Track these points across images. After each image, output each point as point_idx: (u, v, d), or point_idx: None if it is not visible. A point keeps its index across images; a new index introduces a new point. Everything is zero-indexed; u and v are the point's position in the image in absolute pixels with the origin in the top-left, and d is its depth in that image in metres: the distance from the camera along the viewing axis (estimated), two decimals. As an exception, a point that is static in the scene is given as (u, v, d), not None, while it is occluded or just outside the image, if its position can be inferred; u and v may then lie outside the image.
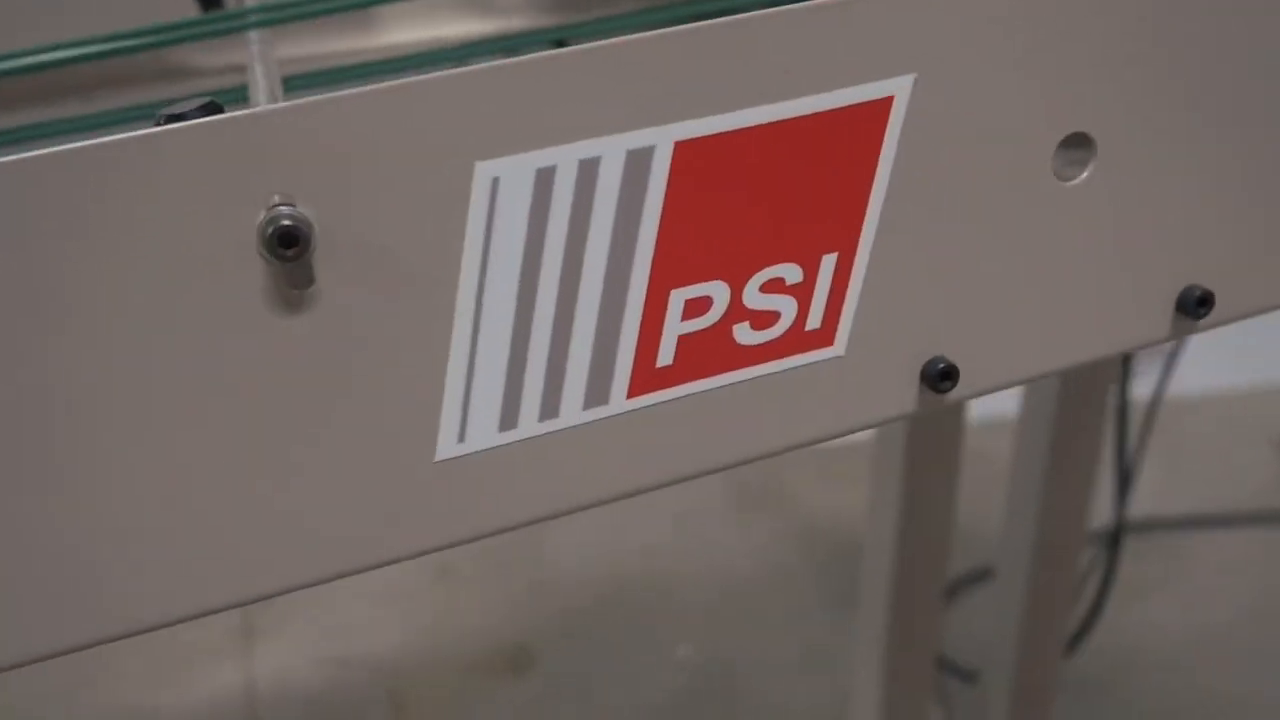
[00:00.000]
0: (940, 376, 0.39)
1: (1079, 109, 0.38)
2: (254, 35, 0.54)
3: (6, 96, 0.66)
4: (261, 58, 0.50)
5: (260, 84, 0.44)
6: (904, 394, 0.39)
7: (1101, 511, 1.28)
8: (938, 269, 0.38)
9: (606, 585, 1.55)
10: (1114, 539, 1.26)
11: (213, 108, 0.35)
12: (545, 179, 0.33)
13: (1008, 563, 1.10)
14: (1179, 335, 0.42)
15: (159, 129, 0.30)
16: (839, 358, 0.38)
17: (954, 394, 0.39)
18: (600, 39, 0.73)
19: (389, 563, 0.35)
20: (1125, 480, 1.23)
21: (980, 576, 1.40)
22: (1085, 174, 0.39)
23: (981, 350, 0.39)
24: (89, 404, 0.31)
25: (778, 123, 0.35)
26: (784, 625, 1.48)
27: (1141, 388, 1.23)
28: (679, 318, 0.36)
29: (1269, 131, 0.41)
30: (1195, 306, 0.41)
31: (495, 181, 0.33)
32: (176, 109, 0.34)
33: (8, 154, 0.53)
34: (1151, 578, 1.49)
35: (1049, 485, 1.04)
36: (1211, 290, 0.42)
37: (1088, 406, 1.03)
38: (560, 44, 0.74)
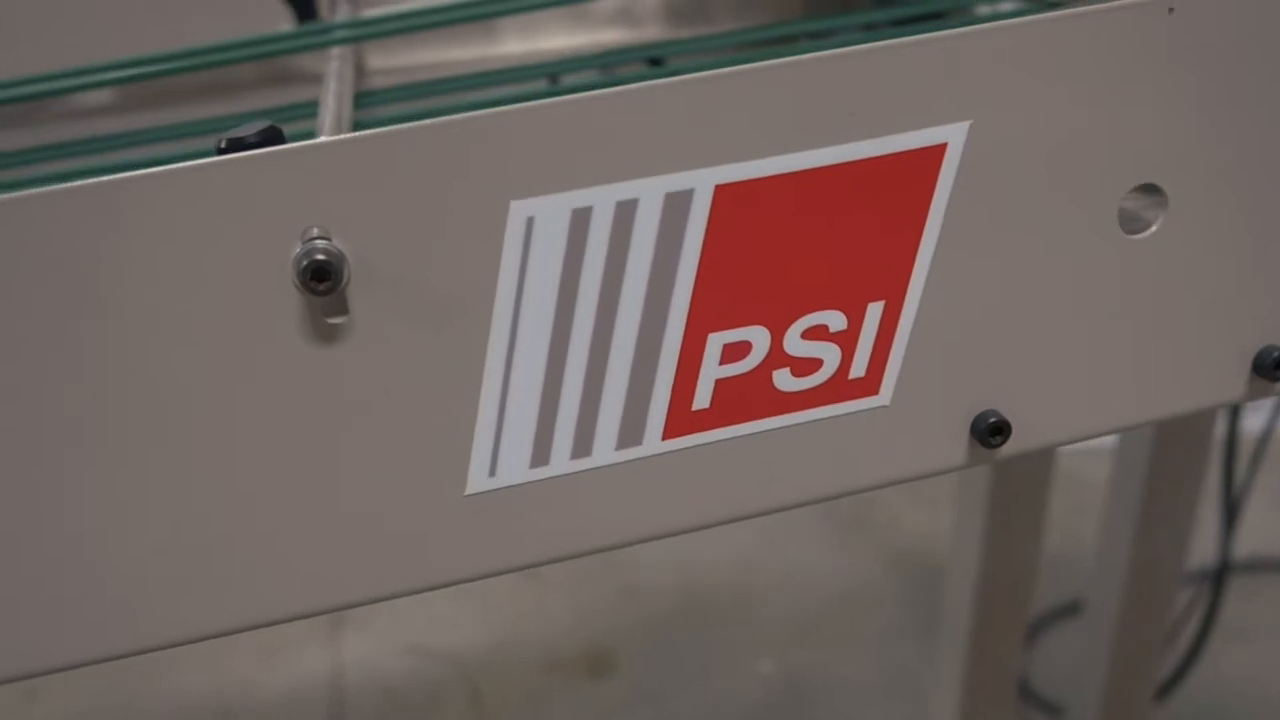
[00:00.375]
0: (991, 431, 0.38)
1: (1149, 159, 0.36)
2: (335, 51, 0.55)
3: (116, 104, 0.69)
4: (339, 75, 0.50)
5: (329, 104, 0.45)
6: (952, 447, 0.38)
7: (1205, 549, 1.24)
8: (991, 322, 0.37)
9: (692, 594, 1.55)
10: (1217, 579, 1.21)
11: (272, 132, 0.35)
12: (581, 220, 0.33)
13: (1098, 597, 1.07)
14: (1255, 397, 0.40)
15: (194, 164, 0.31)
16: (884, 407, 0.37)
17: (1006, 450, 0.38)
18: (696, 55, 0.73)
19: (414, 592, 0.35)
20: (1231, 517, 1.18)
21: (1074, 609, 1.35)
22: (1154, 227, 0.37)
23: (1036, 406, 0.38)
24: (122, 424, 0.32)
25: (823, 169, 0.34)
26: (868, 646, 1.46)
27: (1252, 421, 1.18)
28: (717, 361, 0.35)
29: (1361, 186, 0.39)
30: (1273, 369, 0.39)
31: (530, 221, 0.32)
32: (238, 133, 0.35)
33: (117, 159, 0.55)
34: (1256, 622, 1.43)
35: (1144, 517, 1.01)
36: (1292, 351, 0.39)
37: (1189, 437, 0.99)
38: (656, 61, 0.74)
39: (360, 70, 0.73)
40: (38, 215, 0.30)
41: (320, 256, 0.31)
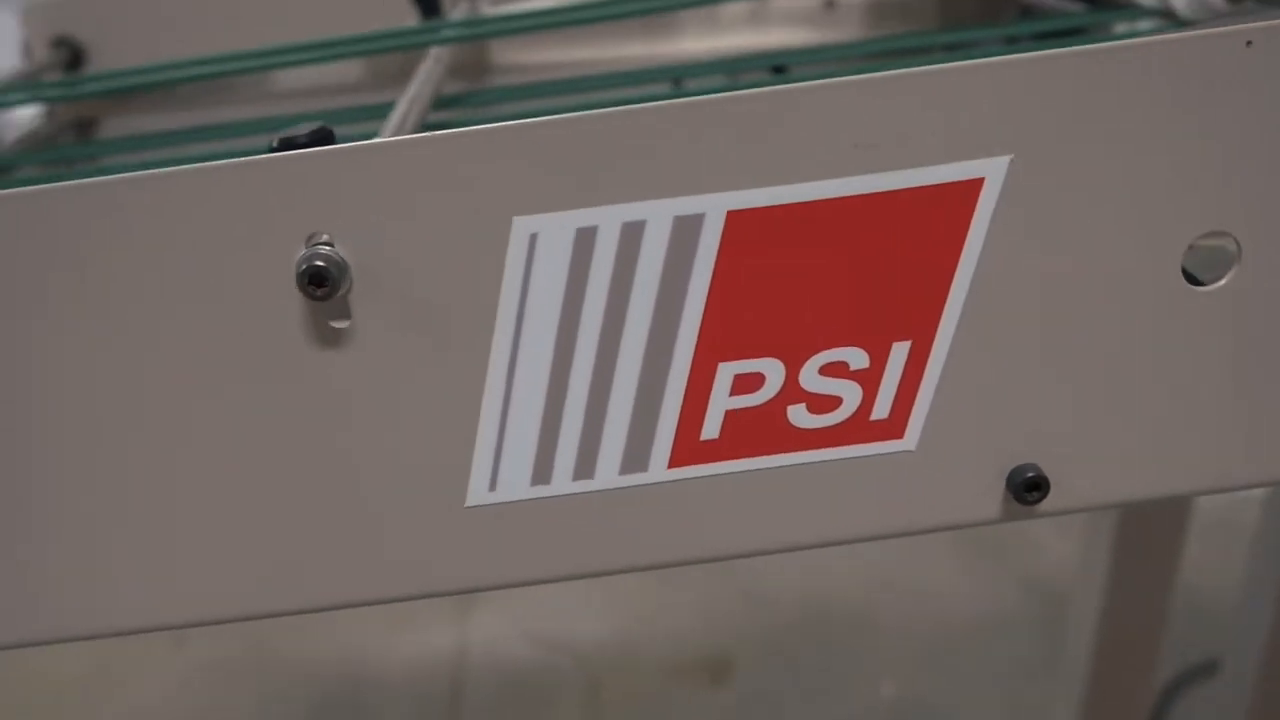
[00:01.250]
0: (1027, 487, 0.35)
1: (1220, 206, 0.33)
2: (433, 52, 0.55)
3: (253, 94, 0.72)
4: (425, 77, 0.51)
5: (400, 107, 0.45)
6: (985, 500, 0.36)
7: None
8: (1030, 371, 0.34)
9: (819, 607, 1.52)
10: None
11: (323, 133, 0.36)
12: (586, 239, 0.32)
13: (1236, 656, 1.00)
14: (1338, 470, 0.36)
15: (209, 165, 0.31)
16: (908, 452, 0.35)
17: (1045, 506, 0.36)
18: (820, 65, 0.71)
19: (408, 598, 0.35)
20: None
21: (1214, 667, 1.27)
22: (1224, 280, 0.34)
23: (1079, 463, 0.35)
24: (116, 413, 0.33)
25: (846, 199, 0.32)
26: (998, 679, 1.40)
27: None
28: (727, 392, 0.34)
29: None
30: (1360, 440, 0.36)
31: (533, 238, 0.32)
32: (291, 132, 0.35)
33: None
34: None
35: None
36: (1383, 423, 0.36)
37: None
38: (779, 69, 0.72)
39: (485, 68, 0.74)
40: (52, 211, 0.31)
41: (319, 262, 0.31)
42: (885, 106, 0.31)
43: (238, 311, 0.32)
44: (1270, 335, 0.34)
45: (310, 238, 0.32)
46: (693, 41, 0.77)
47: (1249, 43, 0.32)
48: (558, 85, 0.66)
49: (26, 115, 0.77)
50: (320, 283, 0.31)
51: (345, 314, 0.33)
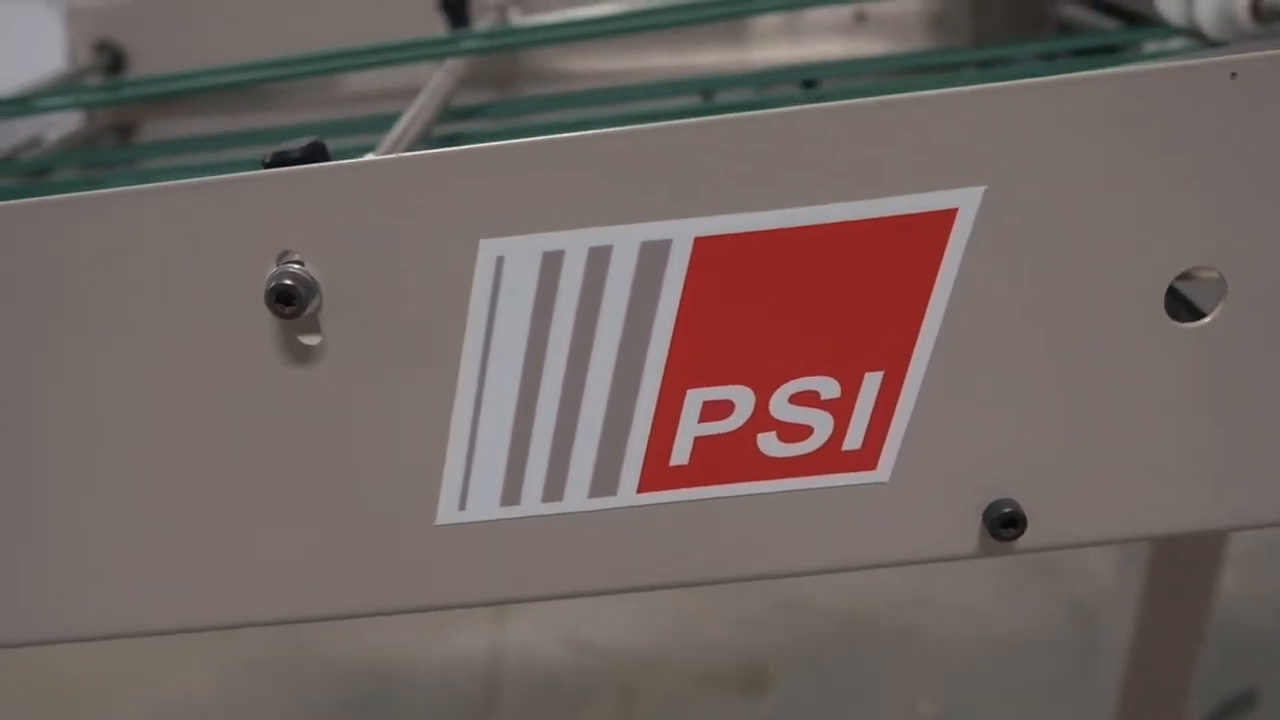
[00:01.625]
0: (1003, 522, 0.34)
1: (1204, 240, 0.32)
2: (447, 64, 0.55)
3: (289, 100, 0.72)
4: (433, 89, 0.51)
5: (402, 120, 0.46)
6: (960, 534, 0.35)
7: None
8: (1007, 405, 0.34)
9: (857, 620, 1.51)
10: None
11: (316, 148, 0.36)
12: (553, 263, 0.32)
13: (1277, 687, 0.97)
14: (1330, 515, 0.35)
15: (185, 183, 0.32)
16: (882, 484, 0.35)
17: (1022, 543, 0.35)
18: (849, 79, 0.70)
19: (380, 614, 0.36)
20: None
21: (1254, 698, 1.24)
22: (1210, 316, 0.33)
23: (1058, 500, 0.35)
24: (89, 418, 0.33)
25: (815, 227, 0.32)
26: (1038, 700, 1.38)
27: None
28: (696, 418, 0.34)
29: None
30: (1354, 484, 0.34)
31: (500, 260, 0.32)
32: (285, 147, 0.36)
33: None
34: None
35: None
36: (1378, 466, 0.34)
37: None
38: (809, 84, 0.72)
39: (515, 77, 0.74)
40: (46, 224, 0.32)
41: (287, 281, 0.32)
42: (858, 135, 0.31)
43: (216, 326, 0.33)
44: (1255, 373, 0.33)
45: (281, 255, 0.32)
46: (724, 54, 0.77)
47: (1234, 75, 0.31)
48: (584, 96, 0.66)
49: (69, 116, 0.78)
50: (288, 301, 0.32)
51: (315, 331, 0.33)
